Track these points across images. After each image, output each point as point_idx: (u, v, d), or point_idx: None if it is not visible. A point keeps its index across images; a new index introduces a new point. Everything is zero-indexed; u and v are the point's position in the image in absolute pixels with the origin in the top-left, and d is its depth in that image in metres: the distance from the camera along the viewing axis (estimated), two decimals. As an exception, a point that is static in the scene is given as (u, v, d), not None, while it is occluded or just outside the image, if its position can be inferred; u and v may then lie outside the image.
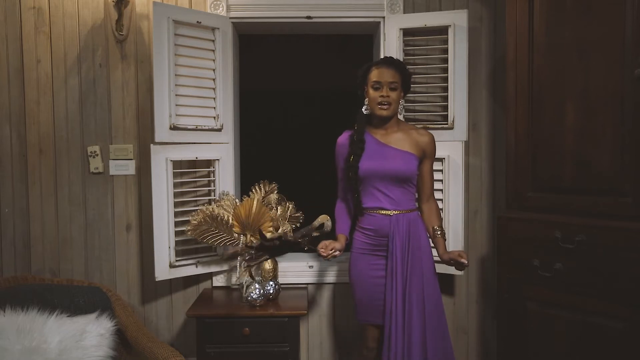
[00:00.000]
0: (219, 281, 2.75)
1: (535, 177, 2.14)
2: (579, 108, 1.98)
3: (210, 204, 2.57)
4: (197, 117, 2.56)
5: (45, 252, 2.70)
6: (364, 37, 3.04)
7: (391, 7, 2.66)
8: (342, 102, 4.19)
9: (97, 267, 2.72)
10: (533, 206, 2.15)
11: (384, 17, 2.66)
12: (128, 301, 2.71)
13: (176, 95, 2.46)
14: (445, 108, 2.58)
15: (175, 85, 2.46)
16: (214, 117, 2.60)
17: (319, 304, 2.81)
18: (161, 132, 2.44)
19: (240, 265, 2.48)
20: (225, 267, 2.69)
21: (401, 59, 2.50)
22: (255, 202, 2.43)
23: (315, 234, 2.10)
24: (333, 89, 5.05)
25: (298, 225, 2.60)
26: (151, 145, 2.46)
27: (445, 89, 2.57)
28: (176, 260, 2.54)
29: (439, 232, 2.17)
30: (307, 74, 5.20)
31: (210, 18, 2.57)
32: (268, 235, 2.17)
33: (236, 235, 2.45)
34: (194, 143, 2.55)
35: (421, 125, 2.45)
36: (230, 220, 2.42)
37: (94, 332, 2.12)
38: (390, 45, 2.61)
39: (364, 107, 2.17)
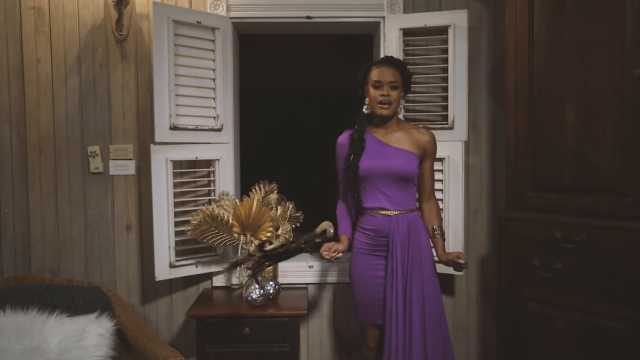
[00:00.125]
0: (219, 281, 2.75)
1: (535, 177, 2.14)
2: (579, 108, 1.98)
3: (210, 204, 2.57)
4: (197, 117, 2.56)
5: (45, 252, 2.70)
6: (364, 37, 3.04)
7: (391, 7, 2.66)
8: (342, 102, 4.20)
9: (97, 267, 2.72)
10: (533, 206, 2.15)
11: (384, 17, 2.66)
12: (128, 301, 2.71)
13: (176, 95, 2.46)
14: (445, 108, 2.58)
15: (175, 85, 2.46)
16: (214, 117, 2.60)
17: (319, 304, 2.81)
18: (161, 132, 2.44)
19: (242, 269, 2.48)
20: (225, 265, 2.69)
21: (401, 59, 2.50)
22: (255, 202, 2.43)
23: (317, 240, 2.10)
24: (333, 89, 5.05)
25: (298, 225, 2.60)
26: (151, 145, 2.46)
27: (445, 89, 2.57)
28: (176, 260, 2.54)
29: (438, 233, 2.17)
30: (307, 74, 5.19)
31: (210, 18, 2.57)
32: (269, 246, 2.19)
33: (236, 235, 2.45)
34: (194, 143, 2.55)
35: (421, 125, 2.45)
36: (230, 220, 2.42)
37: (94, 332, 2.12)
38: (390, 45, 2.61)
39: (365, 107, 2.17)
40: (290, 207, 2.57)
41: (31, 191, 2.68)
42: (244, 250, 2.42)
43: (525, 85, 2.15)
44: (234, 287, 2.71)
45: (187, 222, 2.50)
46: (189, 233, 2.48)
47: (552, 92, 2.07)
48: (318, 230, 2.12)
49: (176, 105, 2.46)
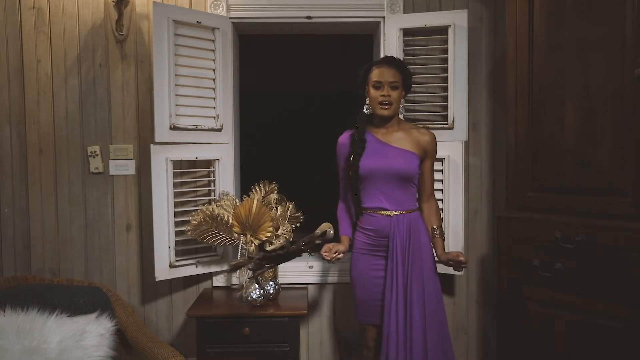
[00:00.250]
0: (219, 281, 2.75)
1: (535, 177, 2.14)
2: (579, 108, 1.98)
3: (210, 204, 2.57)
4: (197, 117, 2.56)
5: (45, 252, 2.70)
6: (364, 37, 3.04)
7: (391, 7, 2.66)
8: (342, 102, 4.19)
9: (97, 267, 2.72)
10: (533, 206, 2.15)
11: (384, 17, 2.66)
12: (128, 301, 2.70)
13: (176, 95, 2.46)
14: (445, 108, 2.58)
15: (175, 85, 2.46)
16: (214, 117, 2.60)
17: (319, 304, 2.81)
18: (161, 132, 2.44)
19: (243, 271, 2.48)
20: (225, 267, 2.69)
21: (401, 59, 2.50)
22: (255, 202, 2.42)
23: (317, 241, 2.11)
24: (333, 89, 5.05)
25: (298, 225, 2.60)
26: (151, 145, 2.46)
27: (445, 89, 2.57)
28: (176, 260, 2.54)
29: (437, 233, 2.17)
30: (307, 74, 5.19)
31: (210, 18, 2.57)
32: (269, 247, 2.19)
33: (236, 235, 2.45)
34: (194, 143, 2.55)
35: (421, 125, 2.45)
36: (230, 220, 2.42)
37: (94, 332, 2.12)
38: (390, 45, 2.61)
39: (365, 107, 2.17)
40: (290, 207, 2.56)
41: (31, 191, 2.68)
42: (244, 250, 2.42)
43: (525, 85, 2.15)
44: (234, 287, 2.71)
45: (187, 222, 2.50)
46: (189, 233, 2.48)
47: (552, 92, 2.07)
48: (318, 232, 2.12)
49: (176, 105, 2.46)
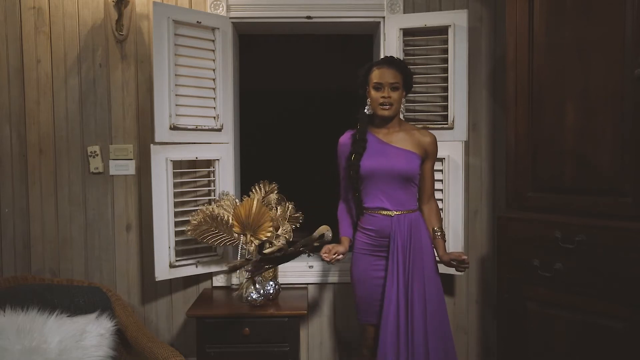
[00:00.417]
0: (219, 281, 2.75)
1: (535, 177, 2.14)
2: (579, 108, 1.98)
3: (210, 204, 2.56)
4: (197, 117, 2.56)
5: (45, 252, 2.70)
6: (364, 37, 3.04)
7: (391, 7, 2.66)
8: (342, 102, 4.19)
9: (97, 267, 2.72)
10: (533, 206, 2.15)
11: (384, 17, 2.66)
12: (128, 301, 2.70)
13: (176, 95, 2.46)
14: (445, 108, 2.58)
15: (175, 85, 2.46)
16: (214, 117, 2.60)
17: (319, 304, 2.81)
18: (161, 132, 2.44)
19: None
20: (225, 267, 2.69)
21: (401, 59, 2.50)
22: (255, 202, 2.42)
23: (315, 244, 2.10)
24: (333, 89, 5.05)
25: (298, 225, 2.60)
26: (151, 145, 2.46)
27: (445, 89, 2.57)
28: (176, 260, 2.54)
29: (439, 234, 2.17)
30: (307, 74, 5.19)
31: (210, 18, 2.57)
32: (267, 249, 2.19)
33: (236, 235, 2.45)
34: (194, 143, 2.55)
35: (421, 125, 2.45)
36: (230, 220, 2.42)
37: (94, 332, 2.12)
38: (390, 45, 2.61)
39: (366, 107, 2.16)
40: (290, 207, 2.56)
41: (31, 191, 2.68)
42: (244, 251, 2.42)
43: (525, 85, 2.15)
44: (234, 287, 2.70)
45: (187, 222, 2.50)
46: (189, 233, 2.48)
47: (552, 92, 2.07)
48: (316, 234, 2.12)
49: (176, 105, 2.46)
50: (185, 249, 2.60)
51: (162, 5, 2.45)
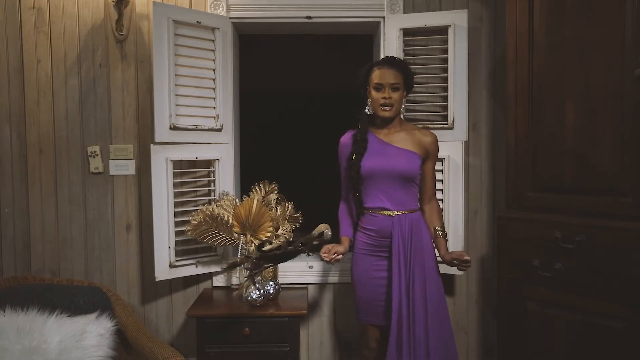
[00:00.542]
0: (219, 281, 2.75)
1: (535, 177, 2.14)
2: (579, 108, 1.98)
3: (210, 204, 2.56)
4: (197, 117, 2.56)
5: (45, 252, 2.70)
6: (364, 37, 3.04)
7: (391, 7, 2.66)
8: (342, 102, 4.19)
9: (97, 267, 2.72)
10: (533, 206, 2.15)
11: (384, 17, 2.66)
12: (128, 301, 2.70)
13: (176, 95, 2.46)
14: (445, 108, 2.58)
15: (175, 85, 2.46)
16: (214, 117, 2.60)
17: (319, 304, 2.81)
18: (161, 132, 2.44)
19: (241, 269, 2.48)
20: (224, 265, 2.69)
21: (402, 59, 2.50)
22: (255, 202, 2.43)
23: (315, 242, 2.10)
24: (333, 89, 5.05)
25: (298, 225, 2.60)
26: (151, 145, 2.46)
27: (445, 89, 2.57)
28: (176, 260, 2.54)
29: (440, 233, 2.17)
30: (307, 74, 5.19)
31: (210, 18, 2.57)
32: (266, 247, 2.19)
33: (236, 235, 2.45)
34: (194, 143, 2.55)
35: (421, 125, 2.45)
36: (230, 220, 2.42)
37: (94, 332, 2.12)
38: (390, 45, 2.61)
39: (367, 108, 2.16)
40: (290, 207, 2.56)
41: (31, 191, 2.68)
42: (244, 250, 2.42)
43: (525, 85, 2.15)
44: (234, 287, 2.71)
45: (187, 222, 2.50)
46: (189, 233, 2.48)
47: (552, 92, 2.07)
48: (315, 232, 2.12)
49: (176, 105, 2.46)
50: (185, 249, 2.60)
51: (162, 5, 2.46)
